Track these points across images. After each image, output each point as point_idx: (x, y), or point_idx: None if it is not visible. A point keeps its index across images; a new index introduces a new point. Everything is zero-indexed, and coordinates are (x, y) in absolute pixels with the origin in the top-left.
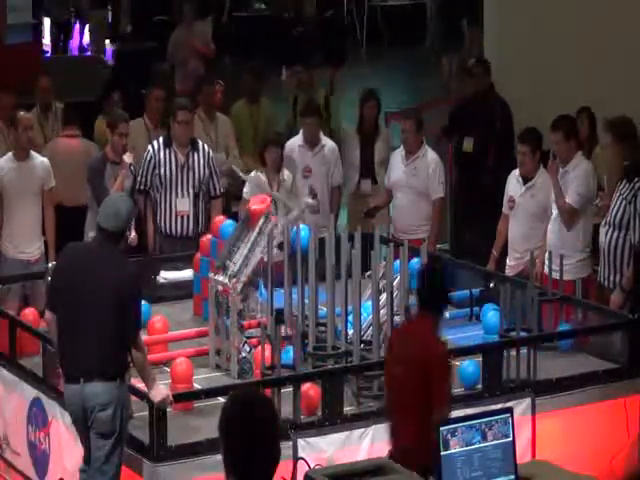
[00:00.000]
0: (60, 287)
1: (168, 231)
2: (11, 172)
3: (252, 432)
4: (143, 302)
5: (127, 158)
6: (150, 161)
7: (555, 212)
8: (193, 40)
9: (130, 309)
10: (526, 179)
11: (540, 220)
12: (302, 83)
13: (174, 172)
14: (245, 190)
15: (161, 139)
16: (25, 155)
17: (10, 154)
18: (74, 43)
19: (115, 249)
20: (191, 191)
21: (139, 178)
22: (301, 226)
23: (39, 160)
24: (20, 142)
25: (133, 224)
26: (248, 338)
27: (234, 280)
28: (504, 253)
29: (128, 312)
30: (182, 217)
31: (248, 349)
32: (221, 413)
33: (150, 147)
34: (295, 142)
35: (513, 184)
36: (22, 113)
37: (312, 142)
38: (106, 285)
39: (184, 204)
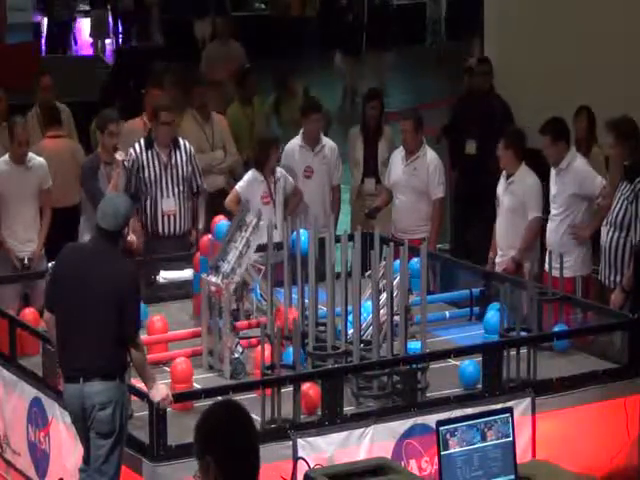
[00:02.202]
0: (59, 287)
1: (156, 231)
2: (7, 175)
3: (246, 431)
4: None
5: (119, 156)
6: (133, 165)
7: (554, 211)
8: (230, 60)
9: (129, 308)
10: (508, 176)
11: (519, 216)
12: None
13: (158, 173)
14: (240, 184)
15: (142, 141)
16: (22, 159)
17: (7, 157)
18: (74, 43)
19: (113, 248)
20: (176, 190)
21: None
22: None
23: (37, 161)
24: (15, 154)
25: (136, 225)
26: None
27: (226, 280)
28: None
29: (127, 311)
30: (169, 216)
31: (241, 350)
32: (206, 421)
33: (132, 150)
34: (295, 143)
35: (501, 183)
36: (18, 124)
37: (313, 141)
38: (105, 284)
39: (170, 204)
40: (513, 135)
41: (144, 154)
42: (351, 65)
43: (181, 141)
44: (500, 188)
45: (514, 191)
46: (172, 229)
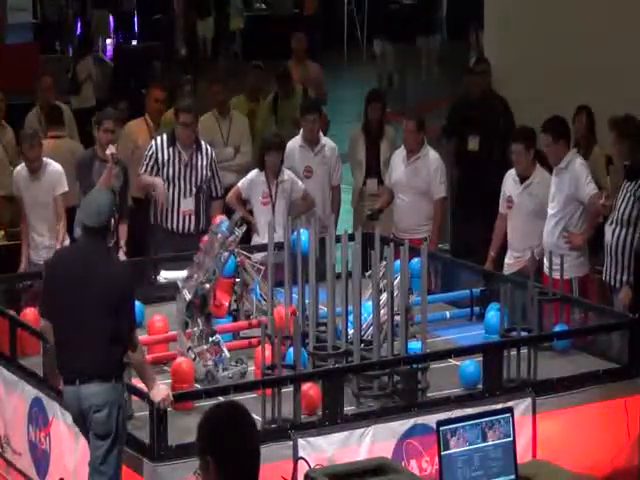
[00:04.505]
0: (52, 291)
1: (171, 228)
2: (22, 181)
3: (247, 433)
4: (137, 302)
5: (109, 150)
6: (152, 155)
7: (551, 211)
8: (307, 81)
9: (124, 309)
10: (523, 178)
11: (539, 218)
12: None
13: (177, 171)
14: (242, 181)
15: (164, 136)
16: (32, 170)
17: (24, 164)
18: (74, 43)
19: (102, 247)
20: (194, 190)
21: (143, 168)
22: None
23: (51, 167)
24: (29, 166)
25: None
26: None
27: (185, 293)
28: (502, 252)
29: (120, 311)
30: (185, 216)
31: (193, 356)
32: (207, 421)
33: (153, 142)
34: (295, 143)
35: (510, 183)
36: (26, 141)
37: (312, 141)
38: (96, 285)
39: (188, 204)
40: (531, 135)
41: (165, 150)
42: (393, 51)
43: (203, 144)
44: (512, 189)
45: (535, 193)
46: (185, 227)
